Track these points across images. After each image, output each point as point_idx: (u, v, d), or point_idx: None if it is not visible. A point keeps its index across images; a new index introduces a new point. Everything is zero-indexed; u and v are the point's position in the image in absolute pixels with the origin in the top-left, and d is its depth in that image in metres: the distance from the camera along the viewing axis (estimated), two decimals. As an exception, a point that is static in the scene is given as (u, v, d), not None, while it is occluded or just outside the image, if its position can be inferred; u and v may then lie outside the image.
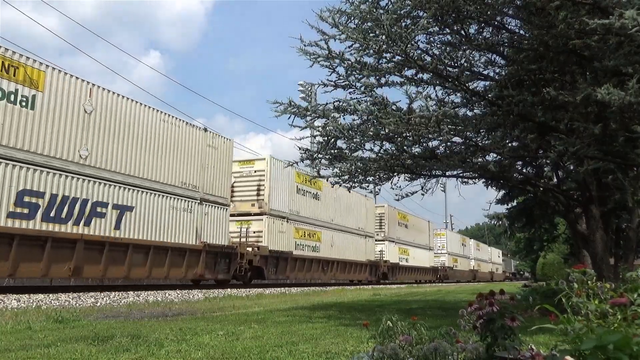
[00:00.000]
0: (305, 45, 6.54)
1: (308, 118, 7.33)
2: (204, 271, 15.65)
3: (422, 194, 8.14)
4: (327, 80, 6.91)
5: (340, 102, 7.07)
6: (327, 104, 7.18)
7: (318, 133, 7.70)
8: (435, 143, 7.56)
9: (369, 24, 6.34)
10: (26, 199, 10.89)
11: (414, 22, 6.41)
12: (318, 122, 7.49)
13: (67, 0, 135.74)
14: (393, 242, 32.65)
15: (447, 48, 6.86)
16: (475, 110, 7.63)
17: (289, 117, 7.16)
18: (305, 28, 6.61)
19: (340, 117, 7.23)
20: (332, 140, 7.39)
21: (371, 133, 7.04)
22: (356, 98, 6.94)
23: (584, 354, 1.83)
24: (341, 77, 6.83)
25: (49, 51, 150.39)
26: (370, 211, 29.59)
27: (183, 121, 15.71)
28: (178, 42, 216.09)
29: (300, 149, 7.72)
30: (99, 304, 9.67)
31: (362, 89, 6.88)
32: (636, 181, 7.41)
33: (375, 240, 30.17)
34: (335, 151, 7.53)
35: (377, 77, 6.73)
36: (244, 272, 17.45)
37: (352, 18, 6.49)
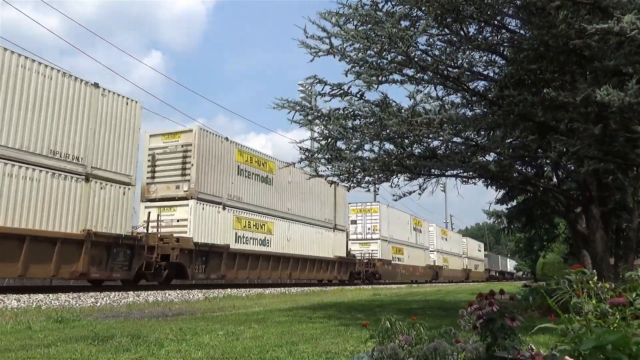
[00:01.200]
0: (307, 37, 6.52)
1: (310, 117, 7.34)
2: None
3: (419, 193, 8.15)
4: (321, 92, 6.96)
5: (340, 109, 7.11)
6: (330, 110, 7.21)
7: (318, 134, 7.71)
8: (435, 143, 7.58)
9: (369, 26, 6.35)
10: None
11: (413, 23, 6.42)
12: (319, 121, 7.51)
13: (67, 0, 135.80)
14: (209, 202, 16.73)
15: (447, 48, 6.87)
16: (475, 110, 7.63)
17: (289, 112, 7.17)
18: (308, 24, 6.59)
19: (341, 120, 7.25)
20: (332, 141, 7.40)
21: (372, 133, 7.05)
22: (355, 104, 6.96)
23: (584, 354, 1.83)
24: (334, 88, 6.85)
25: (50, 51, 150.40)
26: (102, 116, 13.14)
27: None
28: (179, 42, 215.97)
29: (300, 149, 7.74)
30: (99, 304, 9.67)
31: (359, 93, 6.89)
32: (636, 181, 7.42)
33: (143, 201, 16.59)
34: (335, 152, 7.54)
35: (377, 75, 6.73)
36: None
37: (351, 20, 6.50)
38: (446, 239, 46.03)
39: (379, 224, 30.97)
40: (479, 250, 60.74)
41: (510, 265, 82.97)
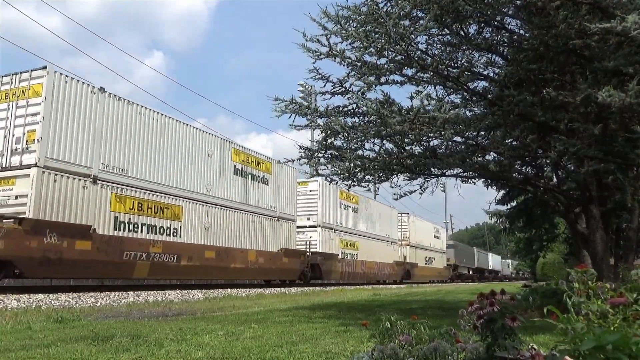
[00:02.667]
0: (307, 41, 6.55)
1: (309, 117, 7.35)
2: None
3: (420, 193, 8.15)
4: (322, 89, 6.97)
5: (340, 107, 7.12)
6: (327, 107, 7.22)
7: (318, 130, 7.71)
8: (435, 142, 7.58)
9: (369, 26, 6.36)
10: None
11: (413, 23, 6.43)
12: (319, 121, 7.51)
13: (69, 0, 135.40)
14: None
15: (447, 48, 6.87)
16: (475, 110, 7.64)
17: (290, 117, 7.18)
18: (308, 24, 6.64)
19: (341, 117, 7.26)
20: (332, 135, 7.39)
21: (372, 132, 7.05)
22: (355, 102, 6.97)
23: (584, 354, 1.83)
24: (336, 85, 6.86)
25: (52, 51, 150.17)
26: None
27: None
28: (181, 42, 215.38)
29: (300, 147, 7.74)
30: (99, 304, 9.67)
31: (360, 93, 6.90)
32: (636, 181, 7.41)
33: None
34: (335, 151, 7.54)
35: (377, 76, 6.74)
36: None
37: (352, 21, 6.51)
38: (354, 210, 26.34)
39: (41, 120, 11.37)
40: (437, 237, 41.02)
41: (494, 261, 65.21)
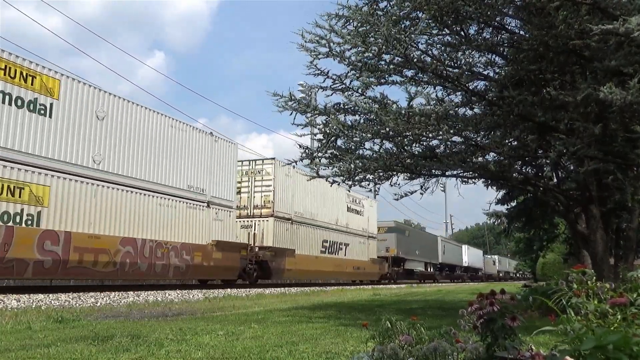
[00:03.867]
0: (306, 42, 6.56)
1: (309, 115, 7.35)
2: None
3: (421, 194, 8.15)
4: (322, 85, 6.96)
5: (339, 104, 7.12)
6: (327, 105, 7.22)
7: (318, 130, 7.72)
8: (435, 142, 7.58)
9: (367, 27, 6.36)
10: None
11: (413, 24, 6.43)
12: (319, 120, 7.52)
13: (70, 0, 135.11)
14: None
15: (447, 49, 6.87)
16: (475, 110, 7.64)
17: (291, 114, 7.18)
18: (307, 27, 6.63)
19: (340, 115, 7.26)
20: (332, 138, 7.39)
21: (371, 132, 7.05)
22: (355, 100, 6.97)
23: (584, 354, 1.83)
24: (336, 82, 6.86)
25: (52, 51, 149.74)
26: None
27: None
28: (182, 42, 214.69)
29: (300, 146, 7.73)
30: (99, 304, 9.67)
31: (360, 90, 6.90)
32: (636, 181, 7.41)
33: None
34: (335, 151, 7.53)
35: (377, 77, 6.75)
36: None
37: (351, 21, 6.51)
38: (37, 107, 10.79)
39: None
40: (356, 212, 26.28)
41: (472, 256, 50.07)
